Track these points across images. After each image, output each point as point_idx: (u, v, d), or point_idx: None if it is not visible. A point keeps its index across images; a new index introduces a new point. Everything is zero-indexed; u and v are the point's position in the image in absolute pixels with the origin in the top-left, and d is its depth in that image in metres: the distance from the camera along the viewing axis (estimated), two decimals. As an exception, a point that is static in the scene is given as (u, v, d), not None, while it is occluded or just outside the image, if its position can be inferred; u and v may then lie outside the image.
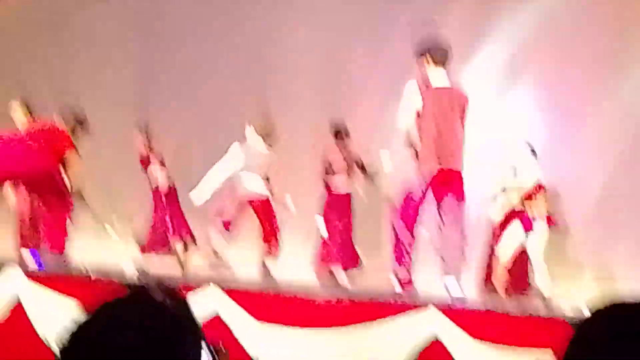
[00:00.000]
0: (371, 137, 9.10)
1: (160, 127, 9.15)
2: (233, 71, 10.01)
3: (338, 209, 8.72)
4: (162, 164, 8.76)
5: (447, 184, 6.36)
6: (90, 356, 1.46)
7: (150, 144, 8.89)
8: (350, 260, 8.65)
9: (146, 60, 10.42)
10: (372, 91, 9.45)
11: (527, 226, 7.33)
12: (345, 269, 8.52)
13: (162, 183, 8.68)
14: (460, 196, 6.38)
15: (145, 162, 8.93)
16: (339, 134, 8.88)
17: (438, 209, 6.39)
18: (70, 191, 7.65)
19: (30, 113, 8.10)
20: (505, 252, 7.31)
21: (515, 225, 7.36)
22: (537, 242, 7.28)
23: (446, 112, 6.41)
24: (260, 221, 8.13)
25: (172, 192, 8.72)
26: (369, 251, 8.62)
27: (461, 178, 6.40)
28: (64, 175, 7.50)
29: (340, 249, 8.63)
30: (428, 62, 6.50)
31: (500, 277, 7.30)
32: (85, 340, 1.48)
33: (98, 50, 10.64)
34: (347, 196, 8.79)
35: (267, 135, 8.21)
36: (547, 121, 8.49)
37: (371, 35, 9.65)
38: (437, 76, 6.47)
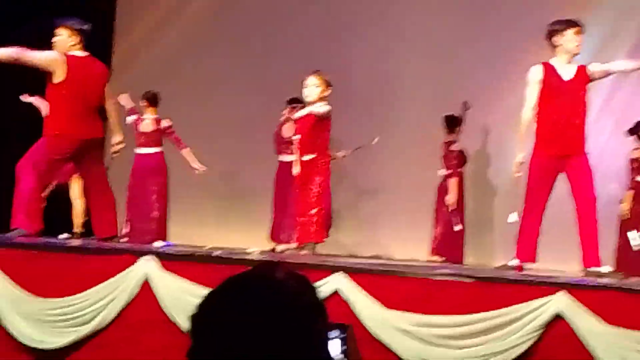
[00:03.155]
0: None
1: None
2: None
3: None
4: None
5: (573, 169, 6.38)
6: (217, 322, 1.51)
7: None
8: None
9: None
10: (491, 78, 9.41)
11: None
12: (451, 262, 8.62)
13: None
14: (587, 179, 6.38)
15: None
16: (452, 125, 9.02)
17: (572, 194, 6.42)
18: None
19: None
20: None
21: None
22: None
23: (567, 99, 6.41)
24: None
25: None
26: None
27: (587, 162, 6.41)
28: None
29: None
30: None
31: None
32: (211, 308, 1.54)
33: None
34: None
35: None
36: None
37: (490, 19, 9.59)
38: (563, 64, 6.49)
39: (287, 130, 9.26)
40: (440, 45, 9.88)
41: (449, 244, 9.07)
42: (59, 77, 7.31)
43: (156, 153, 9.03)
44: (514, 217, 6.71)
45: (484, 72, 9.66)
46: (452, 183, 9.04)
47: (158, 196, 8.94)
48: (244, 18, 10.94)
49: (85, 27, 7.54)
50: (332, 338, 1.60)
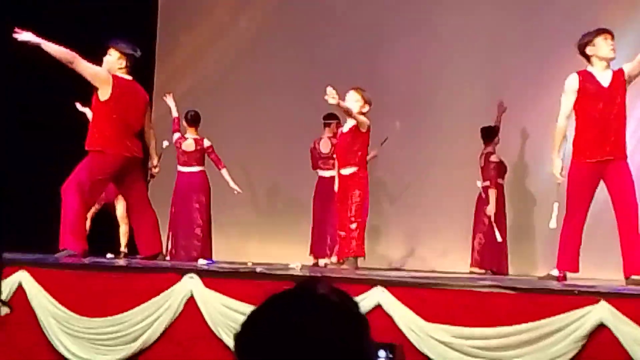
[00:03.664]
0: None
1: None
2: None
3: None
4: None
5: (613, 175, 6.35)
6: (262, 340, 1.54)
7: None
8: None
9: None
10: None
11: None
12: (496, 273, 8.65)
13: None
14: (628, 186, 6.34)
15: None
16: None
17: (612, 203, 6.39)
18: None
19: None
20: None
21: None
22: None
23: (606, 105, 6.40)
24: None
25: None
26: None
27: (627, 167, 6.38)
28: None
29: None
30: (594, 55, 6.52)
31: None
32: (256, 326, 1.57)
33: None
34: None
35: None
36: None
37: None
38: (601, 71, 6.49)
39: (325, 146, 9.33)
40: (477, 53, 9.88)
41: (489, 256, 9.05)
42: (104, 95, 7.51)
43: (198, 171, 9.16)
44: (553, 224, 6.70)
45: (521, 79, 9.65)
46: (492, 194, 9.04)
47: (201, 214, 9.06)
48: (283, 36, 11.03)
49: (136, 52, 7.75)
50: (380, 358, 1.61)
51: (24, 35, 7.25)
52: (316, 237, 9.35)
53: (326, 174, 9.10)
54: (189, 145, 9.19)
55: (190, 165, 9.15)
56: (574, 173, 6.50)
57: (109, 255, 8.96)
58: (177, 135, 9.26)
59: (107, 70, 7.62)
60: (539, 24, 9.67)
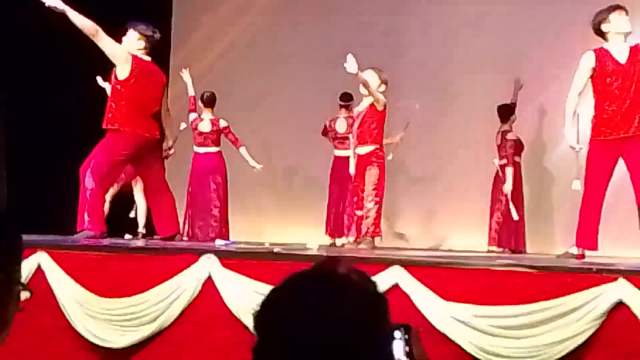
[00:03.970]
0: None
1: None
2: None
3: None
4: None
5: (632, 151, 6.31)
6: (282, 318, 1.54)
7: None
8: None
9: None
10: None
11: None
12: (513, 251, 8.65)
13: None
14: None
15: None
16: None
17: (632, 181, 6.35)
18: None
19: None
20: None
21: None
22: None
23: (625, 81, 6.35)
24: None
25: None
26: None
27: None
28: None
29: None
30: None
31: None
32: (274, 304, 1.57)
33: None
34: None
35: None
36: None
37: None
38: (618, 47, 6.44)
39: (341, 126, 9.31)
40: (495, 30, 9.82)
41: (507, 234, 9.03)
42: (122, 74, 7.51)
43: (215, 152, 9.17)
44: (577, 185, 6.65)
45: (539, 56, 9.58)
46: (509, 172, 9.01)
47: (218, 195, 9.08)
48: (301, 15, 10.99)
49: (155, 34, 7.74)
50: (395, 339, 1.60)
51: (51, 0, 7.23)
52: (332, 216, 9.36)
53: (342, 153, 9.08)
54: (205, 126, 9.20)
55: (207, 146, 9.17)
56: (593, 151, 6.47)
57: (127, 236, 9.00)
58: (193, 115, 9.27)
59: (127, 50, 7.60)
60: (556, 0, 9.60)
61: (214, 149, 9.19)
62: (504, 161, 9.06)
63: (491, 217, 9.15)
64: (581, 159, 6.62)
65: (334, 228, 9.27)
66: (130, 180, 9.44)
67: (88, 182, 7.50)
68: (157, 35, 7.82)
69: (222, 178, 9.14)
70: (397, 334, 1.65)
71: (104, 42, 7.41)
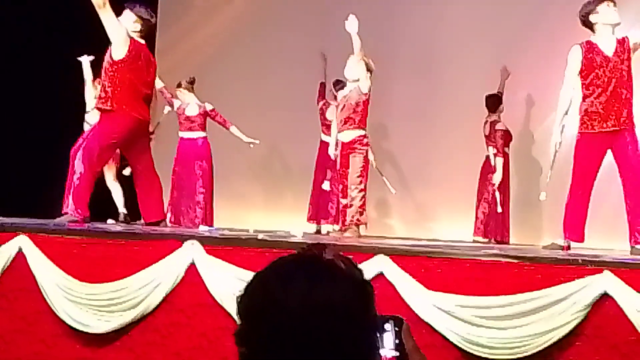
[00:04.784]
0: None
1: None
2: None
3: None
4: None
5: (620, 143, 6.30)
6: (265, 302, 1.51)
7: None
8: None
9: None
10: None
11: None
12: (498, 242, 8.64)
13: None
14: (636, 154, 6.31)
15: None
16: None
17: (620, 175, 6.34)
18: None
19: None
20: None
21: None
22: None
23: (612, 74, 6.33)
24: None
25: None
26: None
27: (634, 136, 6.33)
28: None
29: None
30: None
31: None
32: (259, 288, 1.53)
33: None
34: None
35: None
36: None
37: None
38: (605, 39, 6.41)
39: (331, 113, 9.28)
40: (482, 20, 9.79)
41: (493, 224, 9.03)
42: (118, 54, 7.39)
43: (201, 138, 9.10)
44: (543, 196, 6.71)
45: (526, 46, 9.55)
46: (498, 162, 8.99)
47: (203, 180, 9.01)
48: (287, 2, 10.93)
49: (152, 18, 7.64)
50: (386, 330, 1.58)
51: None
52: (317, 202, 9.33)
53: (326, 138, 9.10)
54: (192, 110, 9.12)
55: (193, 130, 9.09)
56: (581, 144, 6.45)
57: (110, 221, 8.93)
58: (178, 102, 9.18)
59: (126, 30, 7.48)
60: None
61: (199, 134, 9.10)
62: (494, 151, 9.05)
63: (477, 207, 9.14)
64: (560, 155, 6.63)
65: (319, 213, 9.25)
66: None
67: (77, 165, 7.42)
68: (154, 20, 7.73)
69: (207, 164, 9.07)
70: (388, 326, 1.63)
71: (108, 17, 7.21)
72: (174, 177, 9.15)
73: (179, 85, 9.18)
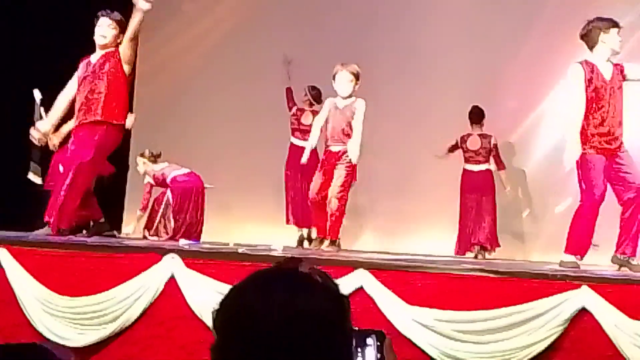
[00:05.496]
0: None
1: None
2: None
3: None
4: None
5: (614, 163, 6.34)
6: (243, 314, 1.51)
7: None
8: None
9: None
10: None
11: None
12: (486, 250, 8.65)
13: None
14: (629, 172, 6.35)
15: None
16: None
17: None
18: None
19: None
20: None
21: None
22: None
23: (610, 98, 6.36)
24: None
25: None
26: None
27: (628, 156, 6.38)
28: None
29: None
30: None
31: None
32: (236, 301, 1.53)
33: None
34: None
35: None
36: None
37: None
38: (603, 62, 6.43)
39: (306, 118, 9.27)
40: (467, 31, 9.77)
41: (477, 238, 8.94)
42: (128, 68, 7.42)
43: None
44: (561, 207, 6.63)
45: (511, 57, 9.52)
46: (503, 175, 9.02)
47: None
48: (265, 8, 10.88)
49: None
50: (368, 345, 1.58)
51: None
52: (293, 205, 9.26)
53: (301, 143, 8.95)
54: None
55: None
56: (588, 162, 6.38)
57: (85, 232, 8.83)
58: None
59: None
60: (531, 5, 9.56)
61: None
62: (493, 166, 9.02)
63: (460, 221, 9.03)
64: (549, 178, 6.61)
65: (300, 217, 9.18)
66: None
67: (70, 177, 7.27)
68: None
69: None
70: (370, 340, 1.63)
71: (131, 47, 7.36)
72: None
73: (142, 155, 9.04)
